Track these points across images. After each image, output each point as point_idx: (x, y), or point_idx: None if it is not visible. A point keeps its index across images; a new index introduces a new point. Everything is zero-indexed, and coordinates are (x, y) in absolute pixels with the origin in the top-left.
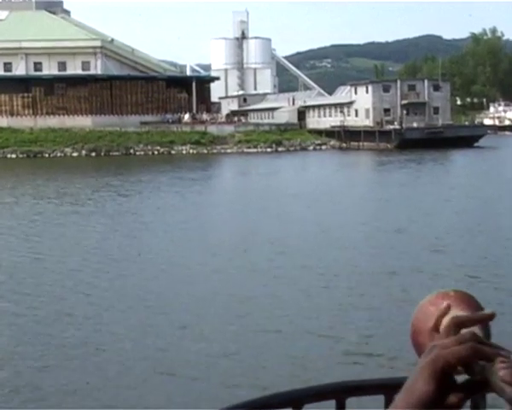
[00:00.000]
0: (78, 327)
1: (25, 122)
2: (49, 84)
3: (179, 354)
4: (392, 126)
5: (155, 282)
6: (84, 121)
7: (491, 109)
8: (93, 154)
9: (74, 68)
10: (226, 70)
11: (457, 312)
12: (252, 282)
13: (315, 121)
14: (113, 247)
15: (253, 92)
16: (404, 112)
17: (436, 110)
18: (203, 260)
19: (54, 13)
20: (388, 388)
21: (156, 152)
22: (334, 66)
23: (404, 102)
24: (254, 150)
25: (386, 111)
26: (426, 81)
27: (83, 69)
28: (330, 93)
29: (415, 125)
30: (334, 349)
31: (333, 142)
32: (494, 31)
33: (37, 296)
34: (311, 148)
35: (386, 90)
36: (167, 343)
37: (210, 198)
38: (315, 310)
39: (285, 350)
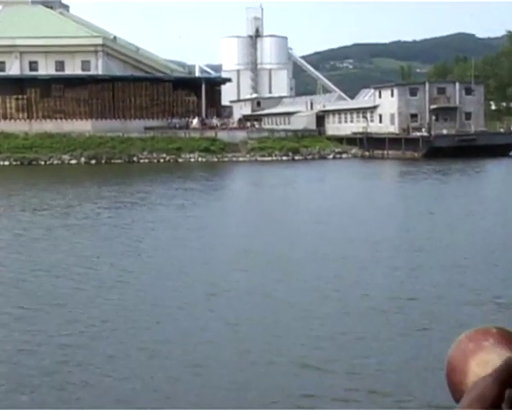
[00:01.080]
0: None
1: (19, 126)
2: (46, 85)
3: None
4: (419, 133)
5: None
6: (83, 126)
7: None
8: (93, 161)
9: (73, 68)
10: (238, 71)
11: (501, 352)
12: (258, 306)
13: (335, 127)
14: (98, 266)
15: (268, 95)
16: (433, 117)
17: (468, 116)
18: (201, 289)
19: (51, 8)
20: None
21: (162, 160)
22: (356, 67)
23: (433, 106)
24: (269, 159)
25: (414, 117)
26: (457, 84)
27: (82, 69)
28: (352, 97)
29: (444, 132)
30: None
31: (354, 150)
32: None
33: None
34: (331, 156)
35: (413, 93)
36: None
37: (215, 213)
38: (324, 339)
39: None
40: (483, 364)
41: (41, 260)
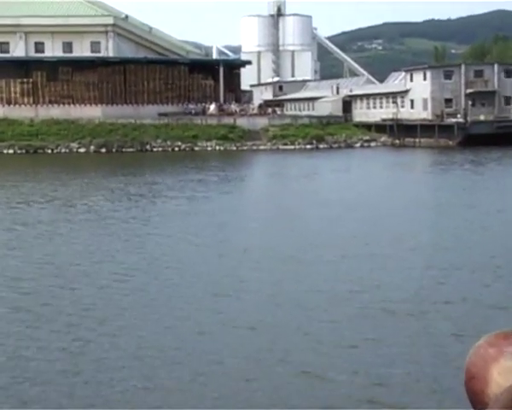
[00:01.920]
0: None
1: (24, 112)
2: (53, 67)
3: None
4: (454, 120)
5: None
6: (92, 112)
7: None
8: (103, 150)
9: (82, 50)
10: (259, 53)
11: None
12: (273, 308)
13: (363, 113)
14: (96, 264)
15: (291, 79)
16: (470, 102)
17: (508, 100)
18: (210, 290)
19: None
20: None
21: (177, 148)
22: (386, 48)
23: (470, 90)
24: (291, 147)
25: (448, 102)
26: (496, 66)
27: (92, 51)
28: (381, 80)
29: (482, 118)
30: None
31: (384, 138)
32: None
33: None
34: (358, 145)
35: (447, 76)
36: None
37: (229, 206)
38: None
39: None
40: (505, 372)
41: (34, 257)
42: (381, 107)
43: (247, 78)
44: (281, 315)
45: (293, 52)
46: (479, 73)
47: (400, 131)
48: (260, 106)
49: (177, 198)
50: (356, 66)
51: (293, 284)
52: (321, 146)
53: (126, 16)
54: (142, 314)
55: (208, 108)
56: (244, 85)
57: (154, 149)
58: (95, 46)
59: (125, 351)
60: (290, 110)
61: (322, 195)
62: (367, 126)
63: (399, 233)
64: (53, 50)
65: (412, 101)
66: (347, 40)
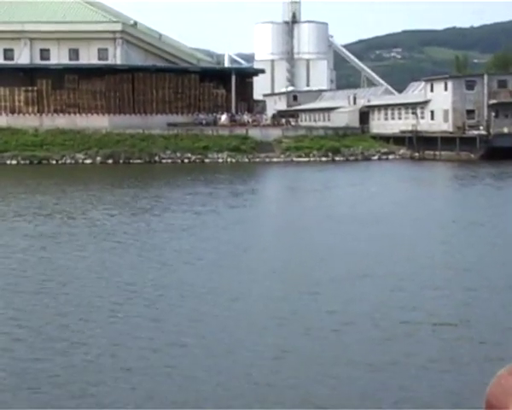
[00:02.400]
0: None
1: (28, 121)
2: (58, 75)
3: None
4: (476, 132)
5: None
6: (99, 121)
7: None
8: (110, 161)
9: (89, 57)
10: (273, 61)
11: None
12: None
13: (381, 125)
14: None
15: (306, 89)
16: (493, 114)
17: None
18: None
19: None
20: None
21: (186, 160)
22: (405, 57)
23: (493, 101)
24: (306, 160)
25: (470, 113)
26: None
27: (99, 58)
28: (400, 90)
29: (505, 130)
30: None
31: (402, 150)
32: None
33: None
34: (376, 157)
35: (469, 86)
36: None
37: (241, 221)
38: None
39: None
40: None
41: (27, 275)
42: (400, 118)
43: (260, 87)
44: (291, 337)
45: (308, 61)
46: (502, 84)
47: (420, 144)
48: (274, 116)
49: (184, 212)
50: (374, 75)
51: (305, 305)
52: (337, 158)
53: (135, 22)
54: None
55: (219, 119)
56: (257, 95)
57: (163, 161)
58: (102, 53)
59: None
60: (305, 121)
61: (336, 210)
62: (385, 138)
63: (415, 251)
64: (59, 58)
65: (432, 112)
66: (365, 48)
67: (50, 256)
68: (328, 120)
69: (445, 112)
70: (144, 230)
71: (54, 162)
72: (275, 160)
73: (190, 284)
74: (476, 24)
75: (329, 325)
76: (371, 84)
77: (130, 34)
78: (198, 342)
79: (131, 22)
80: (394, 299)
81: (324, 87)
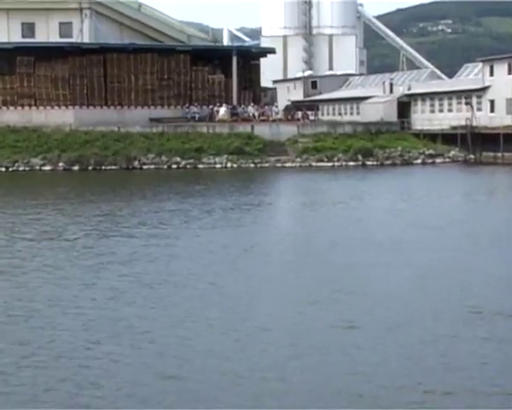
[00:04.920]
0: None
1: None
2: (8, 57)
3: None
4: None
5: None
6: (62, 117)
7: None
8: (76, 167)
9: (47, 34)
10: (285, 38)
11: None
12: None
13: (425, 119)
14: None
15: (328, 73)
16: None
17: None
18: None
19: None
20: None
21: (174, 166)
22: (456, 31)
23: None
24: (328, 165)
25: None
26: None
27: (61, 35)
28: (451, 75)
29: None
30: None
31: (453, 152)
32: None
33: None
34: (419, 161)
35: None
36: None
37: (246, 245)
38: None
39: None
40: None
41: None
42: (451, 110)
43: (269, 71)
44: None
45: (331, 37)
46: None
47: (476, 143)
48: (287, 109)
49: (169, 235)
50: (416, 55)
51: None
52: (368, 163)
53: None
54: None
55: (217, 112)
56: (265, 81)
57: (145, 167)
58: (65, 29)
59: None
60: (327, 115)
61: (367, 232)
62: (431, 136)
63: (471, 292)
64: (8, 34)
65: (492, 102)
66: (404, 21)
67: None
68: (358, 113)
69: (509, 102)
70: (115, 260)
71: (3, 170)
72: (288, 165)
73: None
74: None
75: None
76: (413, 66)
77: (100, 4)
78: None
79: None
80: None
81: (352, 71)
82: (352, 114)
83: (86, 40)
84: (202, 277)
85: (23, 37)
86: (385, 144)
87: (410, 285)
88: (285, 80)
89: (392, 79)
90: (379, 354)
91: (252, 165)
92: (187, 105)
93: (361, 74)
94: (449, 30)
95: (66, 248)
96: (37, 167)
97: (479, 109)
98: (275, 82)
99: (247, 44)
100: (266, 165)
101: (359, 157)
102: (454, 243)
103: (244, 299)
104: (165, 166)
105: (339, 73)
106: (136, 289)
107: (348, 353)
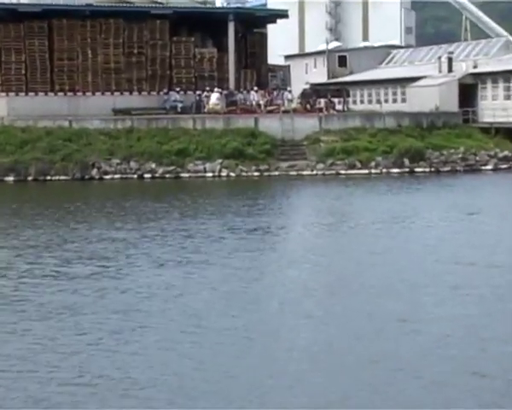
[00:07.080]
0: None
1: None
2: None
3: None
4: None
5: None
6: None
7: None
8: (9, 178)
9: None
10: None
11: None
12: None
13: (498, 108)
14: None
15: (362, 45)
16: None
17: None
18: None
19: None
20: None
21: (148, 175)
22: None
23: None
24: (363, 172)
25: None
26: None
27: None
28: None
29: None
30: None
31: None
32: None
33: None
34: (490, 166)
35: None
36: None
37: (253, 300)
38: None
39: None
40: None
41: None
42: None
43: (279, 43)
44: None
45: None
46: None
47: None
48: (304, 95)
49: (147, 269)
50: (485, 18)
51: None
52: (419, 169)
53: None
54: None
55: (208, 100)
56: (274, 57)
57: (106, 177)
58: None
59: None
60: (360, 103)
61: (419, 265)
62: (506, 132)
63: None
64: None
65: None
66: None
67: None
68: (403, 100)
69: None
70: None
71: None
72: (307, 173)
73: None
74: None
75: None
76: (481, 34)
77: None
78: None
79: None
80: None
81: (395, 42)
82: (395, 101)
83: (25, 0)
84: None
85: None
86: (441, 144)
87: None
88: (302, 55)
89: (451, 53)
90: None
91: (256, 173)
92: (165, 91)
93: (408, 46)
94: None
95: None
96: None
97: None
98: (287, 58)
99: (248, 5)
100: (276, 173)
101: (406, 162)
102: None
103: None
104: (135, 176)
105: (377, 44)
106: None
107: None
